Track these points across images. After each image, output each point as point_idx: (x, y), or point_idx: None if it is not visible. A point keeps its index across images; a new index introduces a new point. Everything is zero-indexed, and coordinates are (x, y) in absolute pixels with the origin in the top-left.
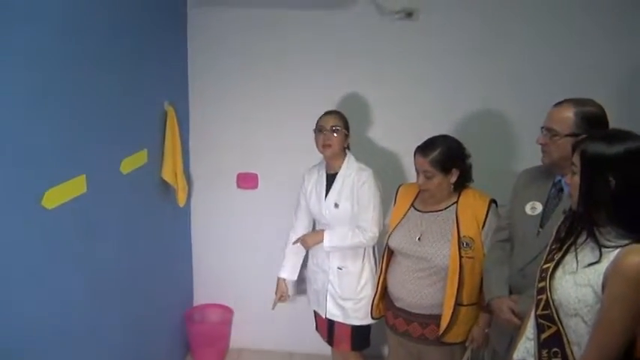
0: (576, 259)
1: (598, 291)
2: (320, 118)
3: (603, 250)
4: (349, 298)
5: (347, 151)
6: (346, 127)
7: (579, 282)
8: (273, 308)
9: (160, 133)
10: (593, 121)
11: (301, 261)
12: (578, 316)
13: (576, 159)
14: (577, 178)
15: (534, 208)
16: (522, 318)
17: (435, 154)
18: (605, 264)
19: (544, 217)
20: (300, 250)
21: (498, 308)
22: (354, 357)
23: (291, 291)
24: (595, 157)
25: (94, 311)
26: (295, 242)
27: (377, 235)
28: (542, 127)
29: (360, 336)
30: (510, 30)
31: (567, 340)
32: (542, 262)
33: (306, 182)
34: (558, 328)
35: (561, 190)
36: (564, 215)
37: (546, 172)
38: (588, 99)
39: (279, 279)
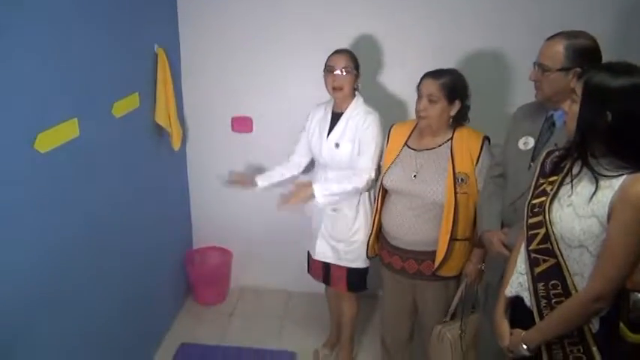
0: (573, 190)
1: (604, 221)
2: (329, 57)
3: (600, 179)
4: (341, 239)
5: (356, 92)
6: (357, 67)
7: (582, 214)
8: (228, 180)
9: (152, 76)
10: (584, 54)
11: (280, 179)
12: (583, 246)
13: (578, 88)
14: (576, 107)
15: (527, 143)
16: (512, 250)
17: (445, 79)
18: (608, 193)
19: (535, 151)
20: (288, 172)
21: (489, 241)
22: (349, 297)
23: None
24: (596, 88)
25: (92, 254)
26: (283, 202)
27: (372, 179)
28: (534, 63)
29: (356, 277)
30: None
31: (568, 271)
32: (530, 197)
33: (310, 119)
34: (557, 261)
35: (553, 124)
36: (547, 151)
37: (540, 107)
38: (580, 31)
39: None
